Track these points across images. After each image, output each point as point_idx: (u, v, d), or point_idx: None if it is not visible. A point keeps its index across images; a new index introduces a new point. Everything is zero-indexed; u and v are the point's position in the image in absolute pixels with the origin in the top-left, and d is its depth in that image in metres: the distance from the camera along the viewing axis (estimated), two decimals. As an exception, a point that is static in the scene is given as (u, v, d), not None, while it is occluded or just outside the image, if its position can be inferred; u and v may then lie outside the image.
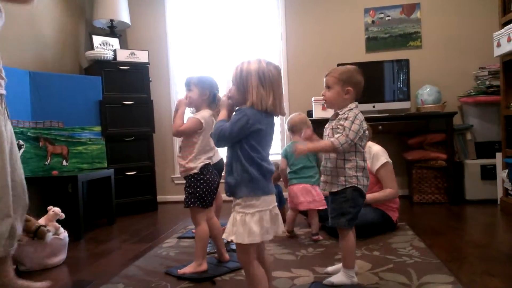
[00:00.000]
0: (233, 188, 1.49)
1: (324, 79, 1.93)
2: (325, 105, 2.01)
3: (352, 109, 1.84)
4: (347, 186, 1.84)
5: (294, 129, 2.79)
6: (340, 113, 1.87)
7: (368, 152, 2.70)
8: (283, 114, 1.56)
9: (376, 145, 2.80)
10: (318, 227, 2.72)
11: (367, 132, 1.87)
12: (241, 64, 1.51)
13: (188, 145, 2.15)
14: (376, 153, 2.74)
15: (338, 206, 1.87)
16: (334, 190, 1.87)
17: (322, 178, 1.94)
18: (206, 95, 2.19)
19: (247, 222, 1.44)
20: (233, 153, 1.51)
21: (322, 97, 1.94)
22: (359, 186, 1.84)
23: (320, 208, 2.67)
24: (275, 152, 3.17)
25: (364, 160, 1.86)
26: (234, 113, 1.54)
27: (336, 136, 1.79)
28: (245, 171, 1.46)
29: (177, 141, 4.40)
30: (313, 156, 2.72)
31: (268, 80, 1.48)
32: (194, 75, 2.24)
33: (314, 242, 2.63)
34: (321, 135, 1.97)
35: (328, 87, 1.90)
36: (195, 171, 2.13)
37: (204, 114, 2.15)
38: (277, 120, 3.83)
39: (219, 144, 1.54)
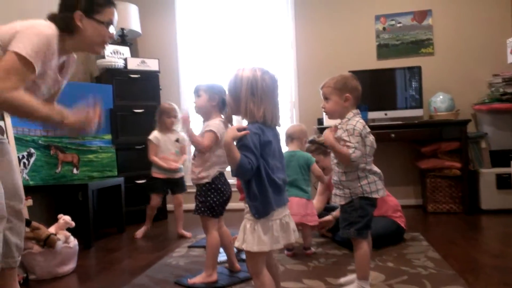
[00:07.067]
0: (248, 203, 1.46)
1: (321, 92, 1.92)
2: (327, 116, 2.00)
3: (349, 119, 1.84)
4: (353, 198, 1.83)
5: (293, 136, 2.70)
6: (339, 125, 1.87)
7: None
8: (276, 125, 1.51)
9: None
10: (311, 242, 2.61)
11: (371, 138, 1.83)
12: (237, 71, 1.50)
13: (202, 154, 2.13)
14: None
15: (347, 216, 1.87)
16: (342, 203, 1.87)
17: (333, 191, 1.93)
18: (215, 101, 2.17)
19: (256, 230, 1.42)
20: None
21: (323, 109, 1.93)
22: (366, 195, 1.82)
23: (311, 224, 2.54)
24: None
25: (364, 169, 1.83)
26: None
27: (351, 150, 1.78)
28: (262, 191, 1.43)
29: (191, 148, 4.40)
30: (306, 169, 2.62)
31: (260, 91, 1.44)
32: (203, 83, 2.23)
33: (307, 256, 2.52)
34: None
35: (326, 98, 1.91)
36: (207, 180, 2.12)
37: (216, 124, 2.13)
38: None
39: (246, 177, 1.43)
